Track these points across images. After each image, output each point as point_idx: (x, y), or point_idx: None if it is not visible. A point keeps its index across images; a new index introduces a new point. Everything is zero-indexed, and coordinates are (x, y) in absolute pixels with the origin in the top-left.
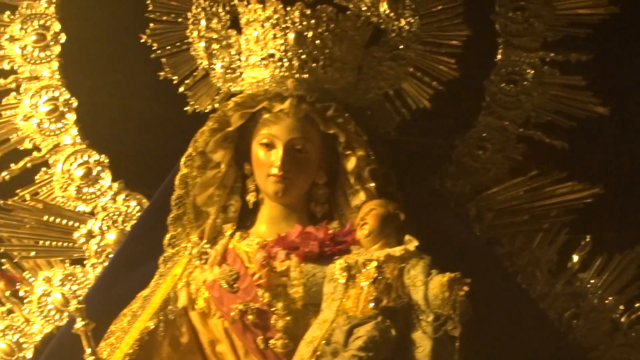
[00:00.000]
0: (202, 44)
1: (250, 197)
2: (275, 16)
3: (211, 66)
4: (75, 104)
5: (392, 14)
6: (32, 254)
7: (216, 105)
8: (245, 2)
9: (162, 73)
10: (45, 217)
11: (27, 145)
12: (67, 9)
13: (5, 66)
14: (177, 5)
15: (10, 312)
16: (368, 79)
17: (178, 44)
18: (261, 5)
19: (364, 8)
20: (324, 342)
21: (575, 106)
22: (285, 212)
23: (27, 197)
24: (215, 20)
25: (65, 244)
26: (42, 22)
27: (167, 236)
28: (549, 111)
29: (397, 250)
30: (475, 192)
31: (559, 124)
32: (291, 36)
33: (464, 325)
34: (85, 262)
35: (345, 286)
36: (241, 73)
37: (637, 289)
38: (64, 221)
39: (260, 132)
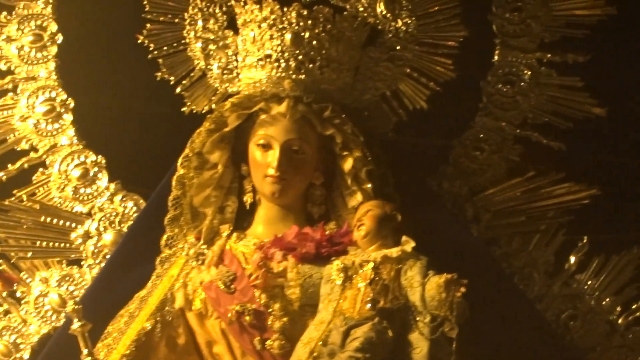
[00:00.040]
0: (199, 44)
1: (247, 198)
2: (272, 17)
3: (208, 67)
4: (72, 104)
5: (389, 15)
6: (29, 254)
7: (213, 106)
8: (242, 3)
9: (159, 74)
10: (42, 218)
11: (24, 145)
12: (64, 10)
13: (2, 67)
14: (174, 5)
15: (7, 312)
16: (365, 80)
17: (175, 44)
18: (258, 6)
19: (361, 9)
20: (320, 343)
21: (573, 107)
22: (282, 213)
23: (24, 197)
24: (212, 21)
25: (62, 245)
26: (39, 22)
27: (164, 237)
28: (546, 112)
29: (394, 252)
30: (473, 193)
31: (556, 125)
32: (288, 37)
33: (460, 326)
34: (82, 262)
35: (342, 287)
36: (238, 74)
37: (635, 290)
38: (61, 222)
39: (257, 132)
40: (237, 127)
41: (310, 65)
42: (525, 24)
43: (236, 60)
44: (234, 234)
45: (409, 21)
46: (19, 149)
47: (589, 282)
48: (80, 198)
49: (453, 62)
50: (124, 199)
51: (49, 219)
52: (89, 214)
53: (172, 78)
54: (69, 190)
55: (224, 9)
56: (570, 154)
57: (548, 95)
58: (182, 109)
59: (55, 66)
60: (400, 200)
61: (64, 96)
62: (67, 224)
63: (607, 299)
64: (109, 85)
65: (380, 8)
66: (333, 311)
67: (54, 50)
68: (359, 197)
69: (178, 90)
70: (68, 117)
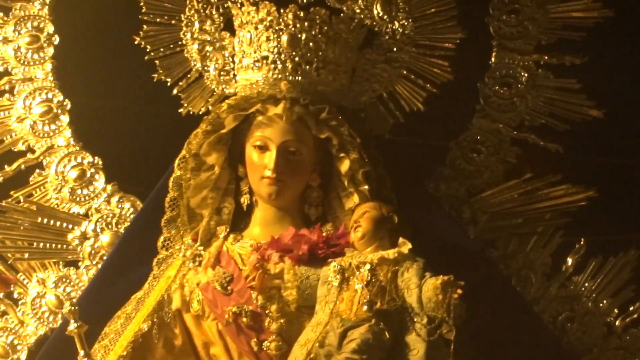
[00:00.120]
0: (196, 46)
1: (244, 200)
2: (269, 18)
3: (205, 68)
4: (69, 106)
5: (385, 17)
6: (26, 255)
7: (210, 107)
8: (238, 4)
9: (155, 75)
10: (39, 219)
11: (21, 147)
12: (61, 11)
13: None
14: (171, 7)
15: (4, 314)
16: (362, 82)
17: (171, 46)
18: (254, 8)
19: (358, 10)
20: (317, 344)
21: (570, 109)
22: (278, 215)
23: (21, 198)
24: (208, 23)
25: (59, 246)
26: (35, 23)
27: (161, 238)
28: (543, 114)
29: (390, 253)
30: (470, 194)
31: (553, 126)
32: (284, 38)
33: (458, 328)
34: (79, 264)
35: (339, 289)
36: (235, 75)
37: (632, 292)
38: (58, 223)
39: (253, 134)
40: (234, 128)
41: (307, 67)
42: (522, 26)
43: (233, 61)
44: (231, 236)
45: (406, 23)
46: (16, 150)
47: (586, 284)
48: (77, 199)
49: (450, 64)
50: (121, 200)
51: (46, 220)
52: (86, 215)
53: (168, 79)
54: (66, 192)
55: (221, 10)
56: (568, 155)
57: (545, 97)
58: (179, 111)
59: (52, 67)
60: (397, 202)
61: (61, 97)
62: (64, 225)
63: (605, 301)
64: (106, 86)
65: (377, 10)
66: (330, 313)
67: (50, 51)
68: (355, 198)
69: (175, 91)
70: (65, 119)
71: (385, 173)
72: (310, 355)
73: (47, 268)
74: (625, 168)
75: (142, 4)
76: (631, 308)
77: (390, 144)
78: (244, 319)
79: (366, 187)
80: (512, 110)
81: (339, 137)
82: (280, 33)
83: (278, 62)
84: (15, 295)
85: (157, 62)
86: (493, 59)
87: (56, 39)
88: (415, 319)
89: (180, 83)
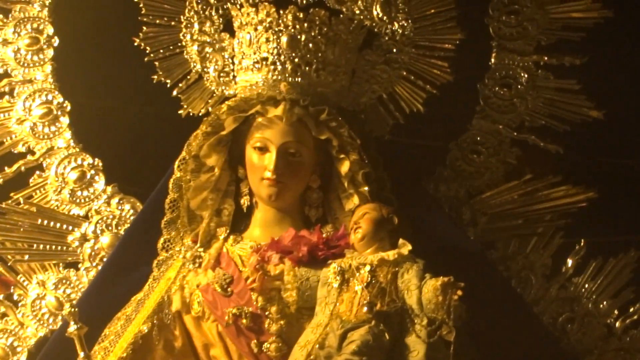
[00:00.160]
0: (195, 47)
1: (244, 201)
2: (268, 19)
3: (204, 69)
4: (68, 107)
5: (385, 18)
6: (26, 257)
7: (209, 108)
8: (238, 6)
9: (155, 76)
10: (39, 221)
11: (20, 148)
12: (60, 13)
13: None
14: (170, 8)
15: (4, 315)
16: (361, 83)
17: (171, 47)
18: (254, 9)
19: (357, 11)
20: (317, 346)
21: (570, 110)
22: (279, 216)
23: (21, 200)
24: (208, 24)
25: (59, 248)
26: (35, 25)
27: (161, 240)
28: (543, 115)
29: (390, 254)
30: (470, 196)
31: (553, 127)
32: (284, 39)
33: (458, 329)
34: (79, 265)
35: (339, 290)
36: (234, 76)
37: (632, 293)
38: (58, 225)
39: (253, 135)
40: (234, 130)
41: (307, 68)
42: (522, 27)
43: (232, 63)
44: (231, 237)
45: (406, 24)
46: (15, 151)
47: (586, 285)
48: (77, 201)
49: (450, 64)
50: (121, 201)
51: (46, 222)
52: (86, 217)
53: (168, 81)
54: (66, 193)
55: (220, 11)
56: (568, 156)
57: (545, 98)
58: (179, 112)
59: (52, 69)
60: (397, 203)
61: (61, 99)
62: (64, 226)
63: (605, 302)
64: (105, 88)
65: (377, 11)
66: (330, 314)
67: (50, 53)
68: (355, 199)
69: (175, 93)
70: (65, 120)
71: (385, 174)
72: (310, 357)
73: (47, 270)
74: (625, 169)
75: (141, 5)
76: (631, 309)
77: (390, 145)
78: (244, 321)
79: (366, 188)
80: (512, 111)
81: (338, 139)
82: (280, 34)
83: (278, 64)
84: (15, 297)
85: (156, 63)
86: (493, 60)
87: (56, 41)
88: (415, 321)
89: (180, 84)
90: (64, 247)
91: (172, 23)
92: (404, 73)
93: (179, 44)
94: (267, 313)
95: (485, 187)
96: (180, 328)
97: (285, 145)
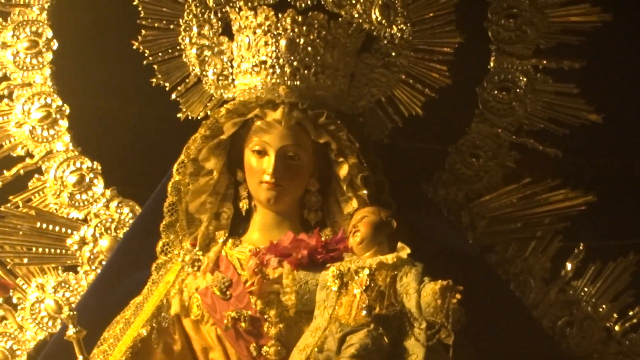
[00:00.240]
0: (194, 50)
1: (243, 204)
2: (267, 23)
3: (203, 73)
4: (67, 110)
5: (384, 21)
6: (25, 260)
7: (208, 112)
8: (236, 9)
9: (154, 80)
10: (38, 224)
11: (19, 152)
12: (59, 16)
13: None
14: (169, 12)
15: (3, 319)
16: (360, 86)
17: (170, 50)
18: (253, 12)
19: (356, 15)
20: (316, 349)
21: (568, 114)
22: (277, 219)
23: (20, 203)
24: (207, 27)
25: (58, 251)
26: (34, 28)
27: (160, 243)
28: (542, 118)
29: (389, 258)
30: (468, 199)
31: (552, 131)
32: (283, 43)
33: (456, 333)
34: (78, 269)
35: (337, 293)
36: (233, 80)
37: (631, 296)
38: (57, 228)
39: (252, 139)
40: (233, 133)
41: (305, 72)
42: (520, 31)
43: (231, 66)
44: (230, 240)
45: (404, 27)
46: (14, 155)
47: (586, 289)
48: (76, 204)
49: (448, 68)
50: (120, 205)
51: (44, 225)
52: (85, 220)
53: (167, 84)
54: (65, 197)
55: (219, 15)
56: (566, 160)
57: (544, 102)
58: (178, 115)
59: (51, 72)
60: (395, 206)
61: (60, 102)
62: (63, 230)
63: (604, 306)
64: (104, 91)
65: (375, 14)
66: (329, 317)
67: (49, 56)
68: (354, 203)
69: (173, 96)
70: (64, 123)
71: (384, 178)
72: None
73: (46, 273)
74: (624, 172)
75: (140, 8)
76: (630, 313)
77: (388, 149)
78: (243, 324)
79: (365, 191)
80: (511, 115)
81: (337, 142)
82: (279, 38)
83: (276, 67)
84: (15, 301)
85: (155, 66)
86: (492, 64)
87: (55, 44)
88: (414, 324)
89: (179, 88)
90: (63, 251)
91: (171, 26)
92: (403, 76)
93: (178, 47)
94: (266, 316)
95: (484, 190)
96: (180, 331)
97: (284, 148)
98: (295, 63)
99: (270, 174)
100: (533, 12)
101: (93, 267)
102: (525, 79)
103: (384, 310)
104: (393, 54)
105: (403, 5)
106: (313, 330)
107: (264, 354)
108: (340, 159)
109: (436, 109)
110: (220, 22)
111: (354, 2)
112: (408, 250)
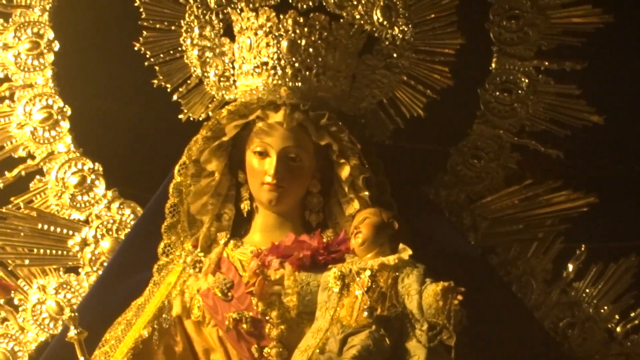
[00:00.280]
0: (196, 51)
1: (244, 206)
2: (269, 24)
3: (205, 74)
4: (69, 112)
5: (385, 22)
6: (27, 262)
7: (209, 113)
8: (238, 10)
9: (155, 81)
10: (40, 225)
11: (21, 153)
12: (61, 17)
13: None
14: (170, 13)
15: (4, 320)
16: (362, 87)
17: (171, 51)
18: (254, 13)
19: (358, 16)
20: (318, 351)
21: (570, 115)
22: (279, 221)
23: (22, 205)
24: (208, 28)
25: (60, 252)
26: (35, 30)
27: (161, 244)
28: (543, 120)
29: (391, 259)
30: (470, 200)
31: (554, 132)
32: (284, 44)
33: (458, 334)
34: (79, 270)
35: (339, 295)
36: (234, 81)
37: (633, 298)
38: (58, 229)
39: (254, 140)
40: (234, 134)
41: (307, 73)
42: (522, 32)
43: (233, 67)
44: (231, 242)
45: (406, 29)
46: (16, 156)
47: (587, 290)
48: (78, 205)
49: (450, 69)
50: (121, 206)
51: (46, 227)
52: (87, 222)
53: (168, 85)
54: (66, 198)
55: (221, 16)
56: (568, 161)
57: (545, 103)
58: (179, 117)
59: (52, 73)
60: (397, 207)
61: (61, 103)
62: (65, 231)
63: (606, 307)
64: (106, 92)
65: (377, 15)
66: (330, 319)
67: (50, 57)
68: (356, 204)
69: (175, 97)
70: (65, 125)
71: (386, 179)
72: None
73: (47, 274)
74: (626, 174)
75: (141, 10)
76: (632, 314)
77: (390, 150)
78: (244, 325)
79: (366, 193)
80: (513, 116)
81: (339, 143)
82: (280, 39)
83: (278, 68)
84: (16, 302)
85: (157, 68)
86: (493, 65)
87: (56, 45)
88: (415, 325)
89: (180, 89)
90: (65, 252)
91: (173, 27)
92: (405, 78)
93: (179, 49)
94: (267, 318)
95: (486, 192)
96: (181, 333)
97: (285, 150)
98: (296, 64)
99: (271, 175)
100: (535, 13)
101: (94, 269)
102: (526, 80)
103: (386, 311)
104: (394, 55)
105: (404, 7)
106: (315, 331)
107: (265, 355)
108: (342, 161)
109: (438, 110)
110: (221, 24)
111: (355, 3)
112: (410, 252)
